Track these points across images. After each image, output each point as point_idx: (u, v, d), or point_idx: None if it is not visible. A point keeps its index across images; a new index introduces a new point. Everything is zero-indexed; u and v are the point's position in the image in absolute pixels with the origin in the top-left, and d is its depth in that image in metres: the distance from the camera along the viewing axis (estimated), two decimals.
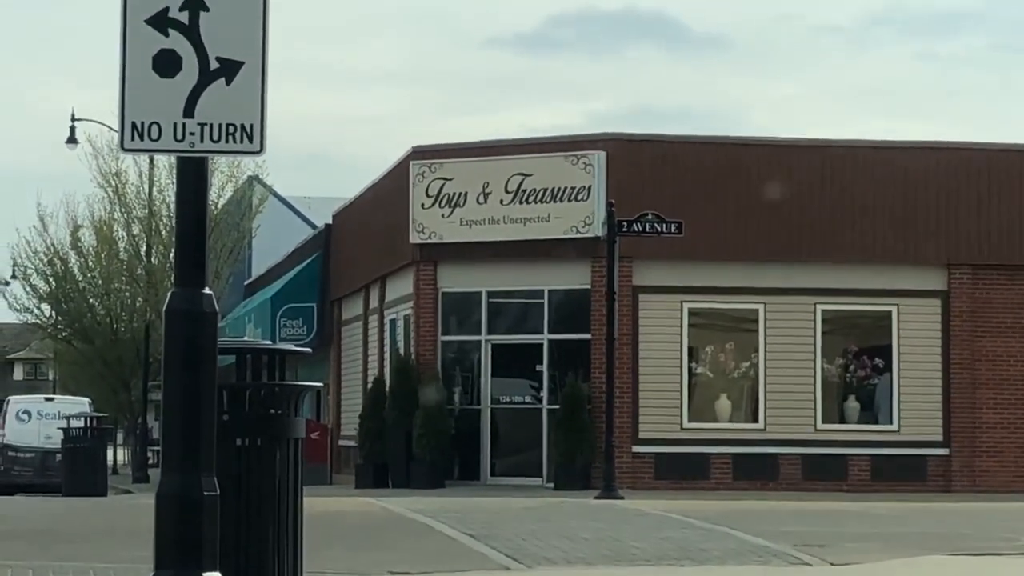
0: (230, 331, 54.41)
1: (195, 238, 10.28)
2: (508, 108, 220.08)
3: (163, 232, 58.02)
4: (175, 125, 10.05)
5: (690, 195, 38.13)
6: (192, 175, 10.40)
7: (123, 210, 61.36)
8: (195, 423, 10.02)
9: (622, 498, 31.25)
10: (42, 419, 51.67)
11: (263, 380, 11.20)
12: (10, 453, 51.53)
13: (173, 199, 60.11)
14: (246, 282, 64.13)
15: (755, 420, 39.21)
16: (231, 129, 10.10)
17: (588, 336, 38.29)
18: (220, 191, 57.38)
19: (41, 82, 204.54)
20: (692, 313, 38.99)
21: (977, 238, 39.61)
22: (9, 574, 15.81)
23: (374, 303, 47.16)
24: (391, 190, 44.49)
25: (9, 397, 60.89)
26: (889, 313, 39.72)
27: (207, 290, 10.14)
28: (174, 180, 48.40)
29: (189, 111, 10.03)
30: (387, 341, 45.58)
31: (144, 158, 53.11)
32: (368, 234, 47.72)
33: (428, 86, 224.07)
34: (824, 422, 39.27)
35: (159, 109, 10.01)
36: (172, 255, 59.34)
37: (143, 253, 60.42)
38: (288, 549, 11.18)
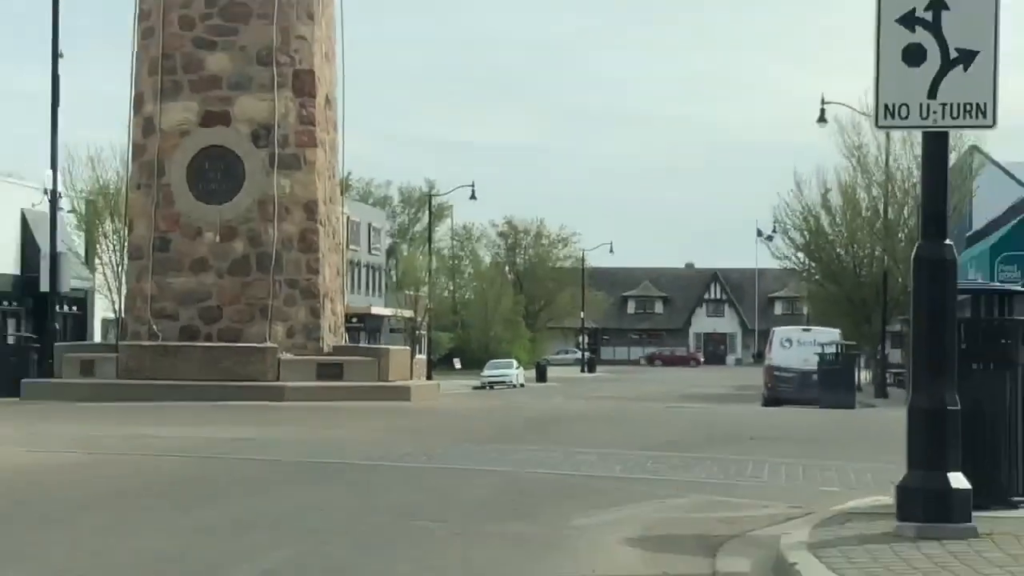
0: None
1: (937, 199, 10.33)
2: None
3: (897, 193, 57.63)
4: (920, 106, 10.13)
5: None
6: (935, 147, 10.43)
7: (864, 175, 61.36)
8: (940, 350, 10.02)
9: None
10: (801, 346, 52.04)
11: (994, 316, 11.11)
12: (776, 373, 52.22)
13: (907, 166, 58.34)
14: (967, 234, 62.82)
15: None
16: (968, 108, 10.07)
17: None
18: None
19: (793, 71, 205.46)
20: None
21: None
22: (783, 470, 16.15)
23: None
24: None
25: (774, 328, 62.08)
26: None
27: (948, 242, 10.12)
28: (905, 151, 46.99)
29: (932, 93, 10.07)
30: None
31: (881, 133, 52.66)
32: None
33: None
34: None
35: (907, 92, 10.11)
36: (904, 212, 58.28)
37: (881, 211, 60.17)
38: (1020, 457, 11.01)
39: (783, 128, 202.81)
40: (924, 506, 9.86)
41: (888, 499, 10.46)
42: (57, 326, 40.48)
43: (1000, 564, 8.76)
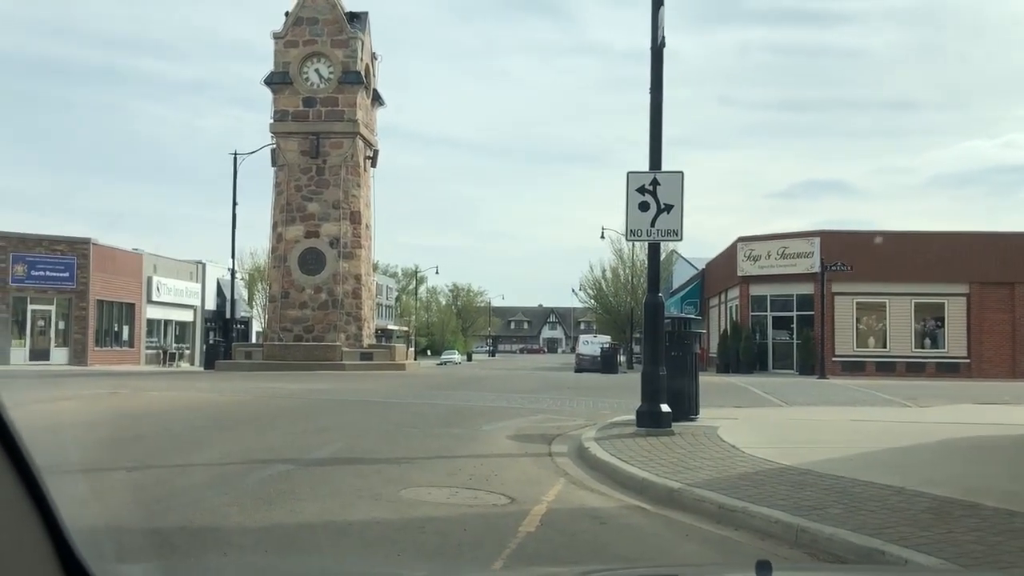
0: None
1: (655, 274, 10.35)
2: None
3: (637, 271, 57.30)
4: (647, 230, 10.12)
5: (856, 254, 35.05)
6: (653, 250, 10.45)
7: (622, 263, 60.87)
8: (656, 346, 10.01)
9: (828, 379, 29.32)
10: (592, 344, 50.35)
11: (681, 329, 11.16)
12: (580, 356, 51.33)
13: (641, 259, 56.51)
14: (670, 291, 63.17)
15: (885, 347, 35.89)
16: (669, 232, 10.11)
17: (812, 313, 35.75)
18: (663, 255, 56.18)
19: (591, 215, 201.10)
20: (857, 304, 36.09)
21: None
22: (583, 402, 15.96)
23: (722, 299, 45.44)
24: (724, 259, 42.84)
25: (579, 335, 60.64)
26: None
27: (660, 295, 10.16)
28: (641, 250, 44.97)
29: (653, 224, 10.10)
30: (723, 315, 43.80)
31: (630, 243, 52.67)
32: (718, 272, 46.05)
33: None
34: (915, 348, 35.64)
35: (642, 224, 10.12)
36: (640, 280, 56.88)
37: (629, 279, 59.85)
38: (694, 396, 11.05)
39: (585, 240, 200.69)
40: (649, 420, 9.89)
41: (632, 417, 10.50)
42: (234, 335, 39.99)
43: (682, 445, 8.83)
